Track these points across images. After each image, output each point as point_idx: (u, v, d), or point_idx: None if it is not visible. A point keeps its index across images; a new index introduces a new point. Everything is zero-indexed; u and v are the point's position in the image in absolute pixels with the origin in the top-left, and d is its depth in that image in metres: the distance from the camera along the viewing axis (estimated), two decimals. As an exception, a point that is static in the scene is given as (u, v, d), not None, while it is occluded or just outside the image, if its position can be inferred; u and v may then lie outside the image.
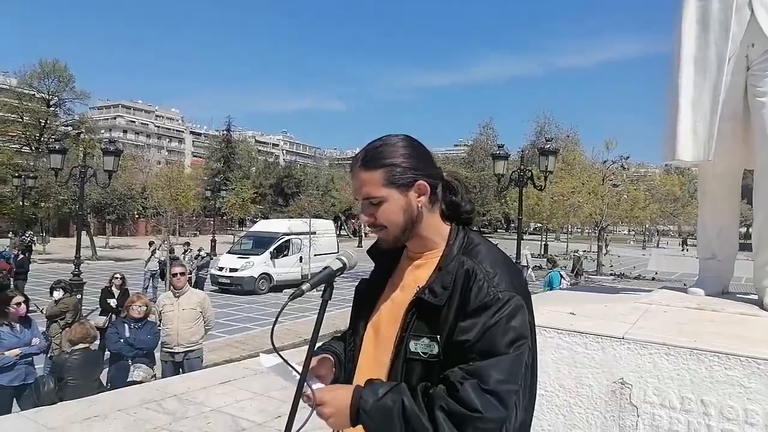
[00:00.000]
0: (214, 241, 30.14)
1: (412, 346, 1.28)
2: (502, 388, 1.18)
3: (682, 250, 45.68)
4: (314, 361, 1.37)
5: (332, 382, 1.40)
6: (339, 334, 1.63)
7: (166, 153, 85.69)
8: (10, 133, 37.79)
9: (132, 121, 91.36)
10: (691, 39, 2.84)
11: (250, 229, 24.30)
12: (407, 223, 1.34)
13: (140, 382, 5.55)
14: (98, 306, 9.38)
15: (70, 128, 38.99)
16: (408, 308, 1.31)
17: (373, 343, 1.40)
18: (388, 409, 1.19)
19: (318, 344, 1.42)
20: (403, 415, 1.18)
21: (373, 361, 1.37)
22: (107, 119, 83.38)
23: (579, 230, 51.83)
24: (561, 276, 12.26)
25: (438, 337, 1.25)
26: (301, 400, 1.27)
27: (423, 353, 1.26)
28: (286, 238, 19.71)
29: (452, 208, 1.40)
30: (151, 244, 16.88)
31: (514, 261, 1.85)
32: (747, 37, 2.71)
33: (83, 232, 17.51)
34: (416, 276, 1.36)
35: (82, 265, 13.14)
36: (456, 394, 1.17)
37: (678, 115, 2.84)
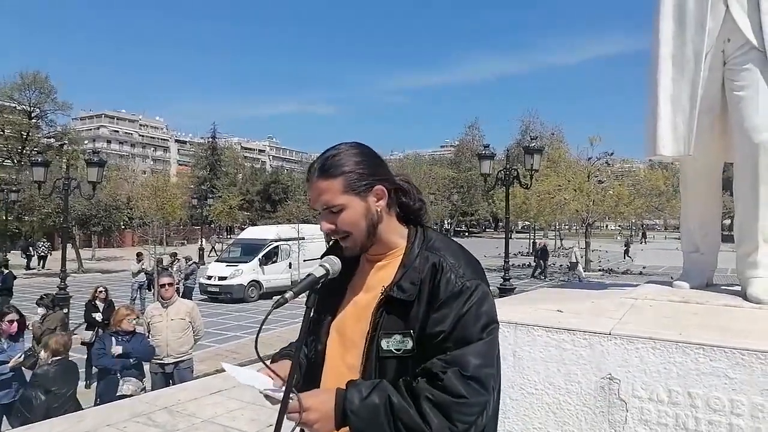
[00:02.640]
0: (201, 249, 29.94)
1: (384, 344, 1.30)
2: (482, 372, 1.24)
3: (641, 242, 47.80)
4: (276, 366, 1.38)
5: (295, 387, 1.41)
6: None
7: (151, 162, 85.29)
8: (-9, 147, 37.29)
9: (116, 131, 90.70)
10: (668, 35, 2.88)
11: (239, 237, 24.17)
12: (369, 227, 1.36)
13: (130, 396, 5.49)
14: (84, 320, 9.29)
15: (52, 140, 38.58)
16: (377, 307, 1.32)
17: (339, 346, 1.41)
18: (375, 407, 1.20)
19: None
20: (391, 411, 1.20)
21: (341, 363, 1.39)
22: (90, 130, 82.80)
23: (567, 227, 52.25)
24: None
25: (411, 331, 1.28)
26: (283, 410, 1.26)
27: (396, 350, 1.29)
28: (275, 244, 19.62)
29: (403, 208, 1.44)
30: (138, 255, 16.73)
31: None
32: (723, 32, 2.75)
33: (69, 245, 17.32)
34: (380, 276, 1.39)
35: (68, 278, 12.98)
36: (440, 383, 1.21)
37: (658, 111, 2.88)
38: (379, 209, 1.36)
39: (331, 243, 1.53)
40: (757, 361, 1.92)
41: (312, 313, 1.50)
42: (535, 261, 24.59)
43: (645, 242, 49.90)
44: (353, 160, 1.34)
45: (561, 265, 26.40)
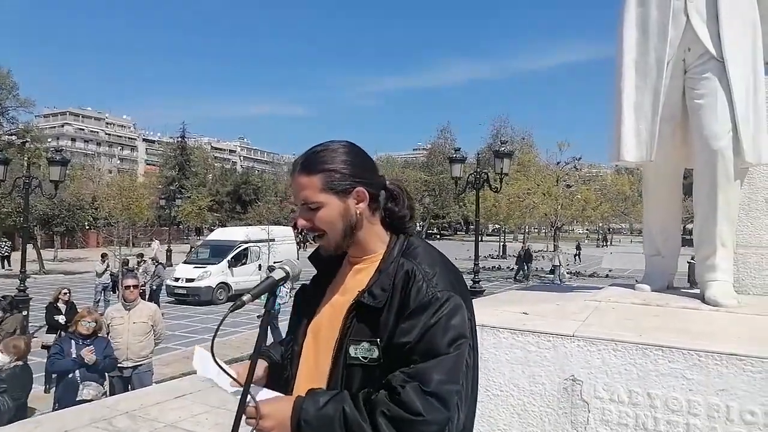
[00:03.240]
0: (169, 250, 29.38)
1: (352, 351, 1.26)
2: (444, 389, 1.18)
3: (605, 245, 49.40)
4: (247, 366, 1.34)
5: (266, 386, 1.38)
6: (279, 341, 1.60)
7: (118, 161, 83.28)
8: (-53, 144, 35.82)
9: (81, 129, 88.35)
10: (631, 44, 2.95)
11: (207, 238, 23.79)
12: (346, 229, 1.32)
13: (91, 401, 5.33)
14: (45, 323, 9.01)
15: (14, 137, 37.28)
16: (347, 312, 1.29)
17: (313, 349, 1.38)
18: (329, 418, 1.17)
19: None
20: (344, 424, 1.16)
21: (314, 367, 1.35)
22: (54, 127, 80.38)
23: (536, 230, 53.02)
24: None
25: (378, 340, 1.24)
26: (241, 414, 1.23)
27: (363, 358, 1.25)
28: (244, 246, 19.37)
29: (389, 214, 1.39)
30: (103, 256, 16.31)
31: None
32: (684, 41, 2.82)
33: (29, 246, 16.78)
34: (357, 280, 1.35)
35: (28, 279, 12.59)
36: (397, 397, 1.16)
37: (621, 117, 2.94)
38: (358, 212, 1.32)
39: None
40: (713, 363, 1.97)
41: (292, 313, 1.47)
42: (517, 264, 24.77)
43: (606, 245, 51.04)
44: (338, 159, 1.31)
45: (535, 268, 26.79)
